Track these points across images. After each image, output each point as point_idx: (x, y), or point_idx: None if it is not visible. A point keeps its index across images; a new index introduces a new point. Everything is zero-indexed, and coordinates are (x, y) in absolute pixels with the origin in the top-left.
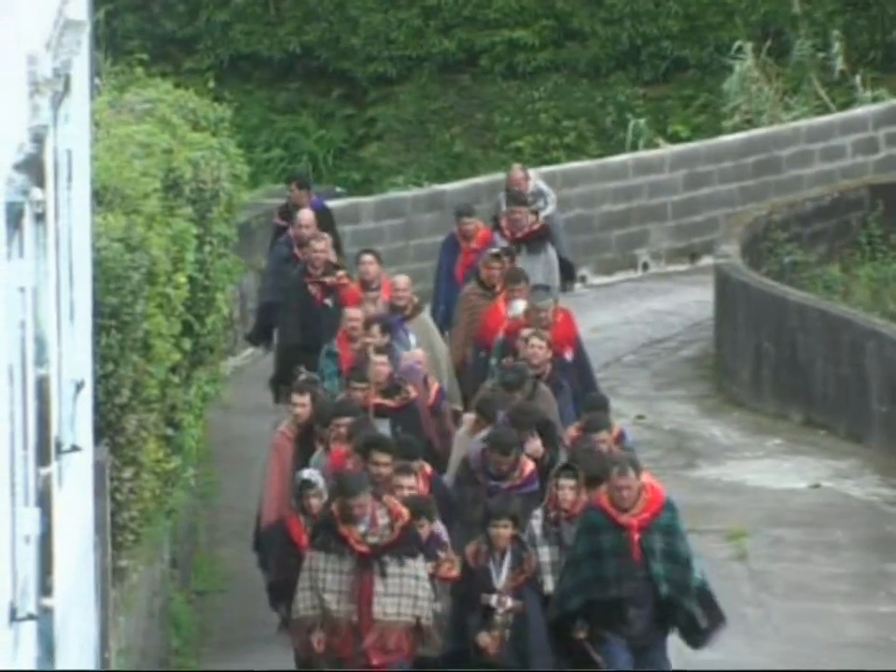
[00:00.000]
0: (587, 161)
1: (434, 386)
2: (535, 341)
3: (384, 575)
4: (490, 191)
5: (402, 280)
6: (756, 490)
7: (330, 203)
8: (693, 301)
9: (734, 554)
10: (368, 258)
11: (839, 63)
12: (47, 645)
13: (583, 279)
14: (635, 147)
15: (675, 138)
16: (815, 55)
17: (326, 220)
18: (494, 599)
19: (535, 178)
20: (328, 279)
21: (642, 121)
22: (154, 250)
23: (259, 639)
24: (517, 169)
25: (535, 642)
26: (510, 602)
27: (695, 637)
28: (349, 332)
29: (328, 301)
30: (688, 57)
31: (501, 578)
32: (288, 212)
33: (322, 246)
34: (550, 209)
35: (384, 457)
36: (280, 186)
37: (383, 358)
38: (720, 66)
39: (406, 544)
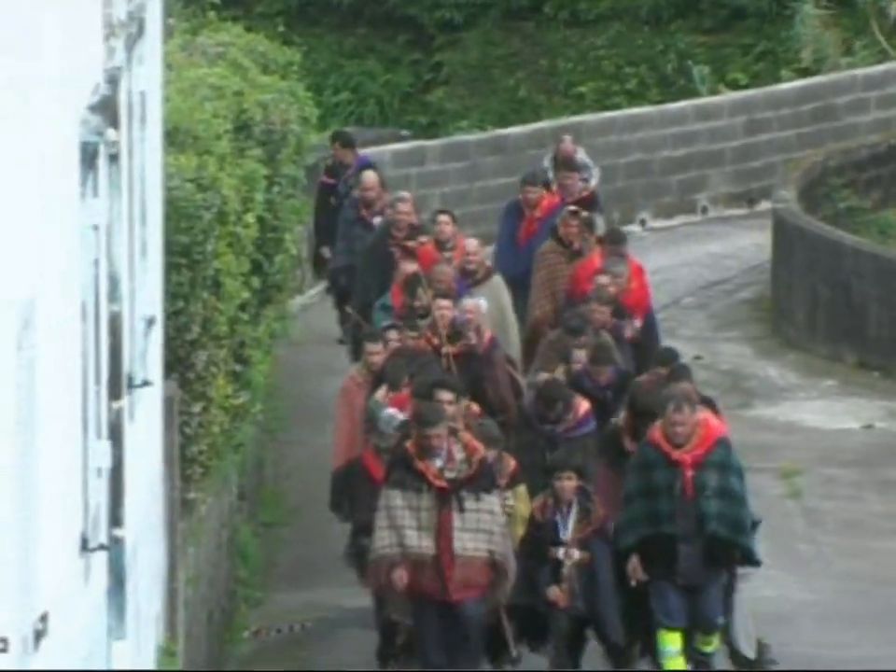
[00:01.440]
0: (648, 106)
1: (487, 334)
2: (595, 306)
3: (462, 510)
4: (553, 137)
5: (473, 243)
6: (810, 430)
7: (396, 146)
8: (750, 244)
9: (788, 492)
10: (443, 217)
11: (894, 10)
12: (117, 575)
13: (643, 222)
14: (698, 93)
15: (734, 85)
16: (875, 2)
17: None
18: (561, 552)
19: (580, 152)
20: (410, 243)
21: (706, 68)
22: (224, 190)
23: (324, 571)
24: (568, 141)
25: (602, 594)
26: (577, 554)
27: (750, 568)
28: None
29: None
30: (747, 5)
31: (568, 530)
32: (335, 171)
33: (407, 208)
34: (594, 182)
35: (447, 395)
36: (349, 128)
37: (447, 303)
38: (779, 15)
39: (482, 479)
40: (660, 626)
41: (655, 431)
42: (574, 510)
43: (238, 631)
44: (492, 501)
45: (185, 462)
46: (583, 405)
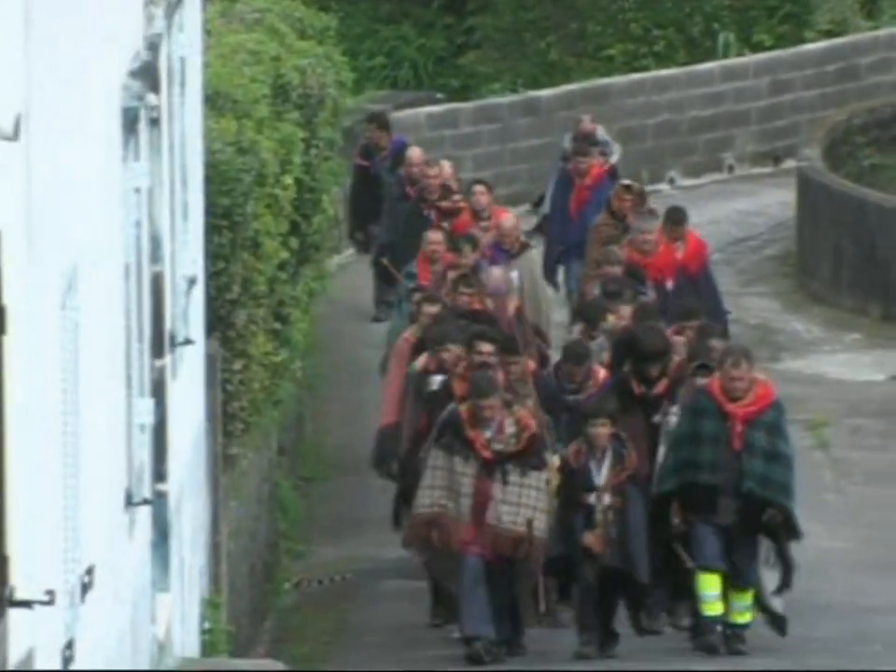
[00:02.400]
0: (675, 68)
1: (514, 301)
2: (607, 268)
3: (505, 483)
4: (583, 98)
5: (509, 222)
6: (836, 382)
7: (430, 109)
8: (776, 202)
9: (815, 443)
10: (479, 188)
11: None
12: (161, 528)
13: (672, 181)
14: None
15: (759, 47)
16: None
17: (404, 159)
18: (593, 497)
19: (600, 130)
20: (444, 203)
21: (731, 36)
22: (263, 153)
23: (364, 524)
24: (587, 121)
25: (633, 538)
26: (607, 499)
27: (792, 535)
28: (429, 254)
29: (444, 225)
30: None
31: (602, 476)
32: (369, 152)
33: (435, 172)
34: (615, 158)
35: (487, 347)
36: (384, 92)
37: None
38: None
39: (531, 455)
40: (699, 568)
41: (714, 382)
42: (608, 456)
43: (280, 583)
44: (539, 478)
45: (226, 418)
46: (601, 372)
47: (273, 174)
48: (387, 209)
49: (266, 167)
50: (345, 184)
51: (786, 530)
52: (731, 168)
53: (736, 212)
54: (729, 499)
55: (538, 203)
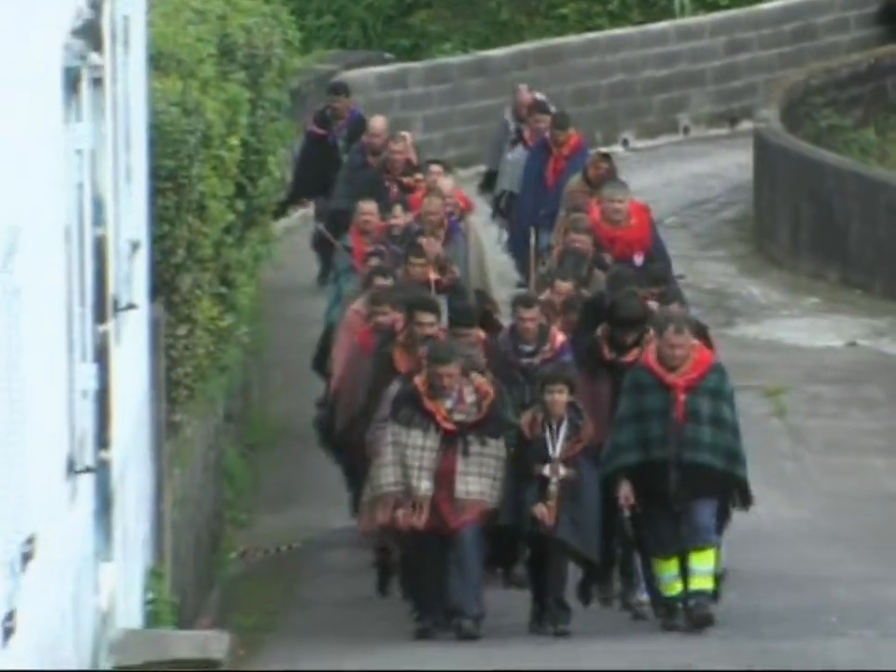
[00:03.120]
0: (630, 28)
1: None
2: (573, 235)
3: (466, 454)
4: (535, 58)
5: (446, 186)
6: (794, 348)
7: (380, 69)
8: (732, 164)
9: (772, 411)
10: (436, 168)
11: None
12: (104, 497)
13: (626, 142)
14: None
15: (715, 7)
16: None
17: (362, 129)
18: (547, 469)
19: (540, 97)
20: (406, 179)
21: None
22: (209, 114)
23: (311, 492)
24: (524, 90)
25: (587, 514)
26: (562, 471)
27: (745, 501)
28: (361, 226)
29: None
30: None
31: (557, 447)
32: (325, 119)
33: (400, 147)
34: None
35: (428, 317)
36: (332, 51)
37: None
38: None
39: (490, 423)
40: (654, 556)
41: (648, 354)
42: (564, 426)
43: (225, 553)
44: (498, 446)
45: (171, 385)
46: (559, 336)
47: (218, 135)
48: (345, 177)
49: (211, 128)
50: (292, 146)
51: (739, 497)
52: (686, 129)
53: (692, 174)
54: (680, 472)
55: (485, 185)
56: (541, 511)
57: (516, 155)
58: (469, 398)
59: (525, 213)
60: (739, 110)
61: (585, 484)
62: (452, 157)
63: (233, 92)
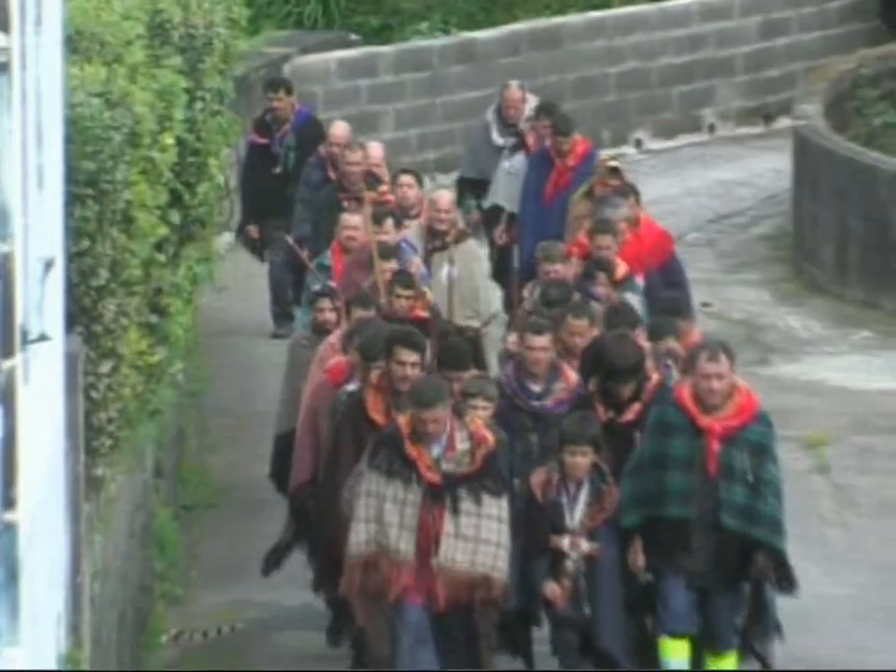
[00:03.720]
0: (644, 4)
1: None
2: (546, 266)
3: (456, 512)
4: (530, 41)
5: (445, 199)
6: (840, 391)
7: (343, 54)
8: (767, 169)
9: (814, 466)
10: (406, 178)
11: None
12: (9, 566)
13: (639, 143)
14: None
15: None
16: None
17: (315, 133)
18: (566, 542)
19: (534, 101)
20: (369, 194)
21: None
22: (138, 107)
23: (257, 562)
24: (515, 87)
25: (605, 595)
26: (585, 545)
27: (786, 584)
28: (345, 243)
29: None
30: None
31: (576, 515)
32: (267, 126)
33: (356, 158)
34: None
35: (411, 356)
36: (286, 32)
37: (391, 265)
38: None
39: (488, 477)
40: (663, 632)
41: (683, 389)
42: (585, 491)
43: (155, 635)
44: (499, 506)
45: (91, 432)
46: (571, 375)
47: (149, 132)
48: (303, 198)
49: (141, 124)
50: (238, 146)
51: (777, 578)
52: (712, 128)
53: (718, 182)
54: (704, 537)
55: (459, 197)
56: (553, 590)
57: (516, 165)
58: (462, 444)
59: (527, 236)
60: (775, 105)
61: (606, 564)
62: (430, 160)
63: (167, 81)
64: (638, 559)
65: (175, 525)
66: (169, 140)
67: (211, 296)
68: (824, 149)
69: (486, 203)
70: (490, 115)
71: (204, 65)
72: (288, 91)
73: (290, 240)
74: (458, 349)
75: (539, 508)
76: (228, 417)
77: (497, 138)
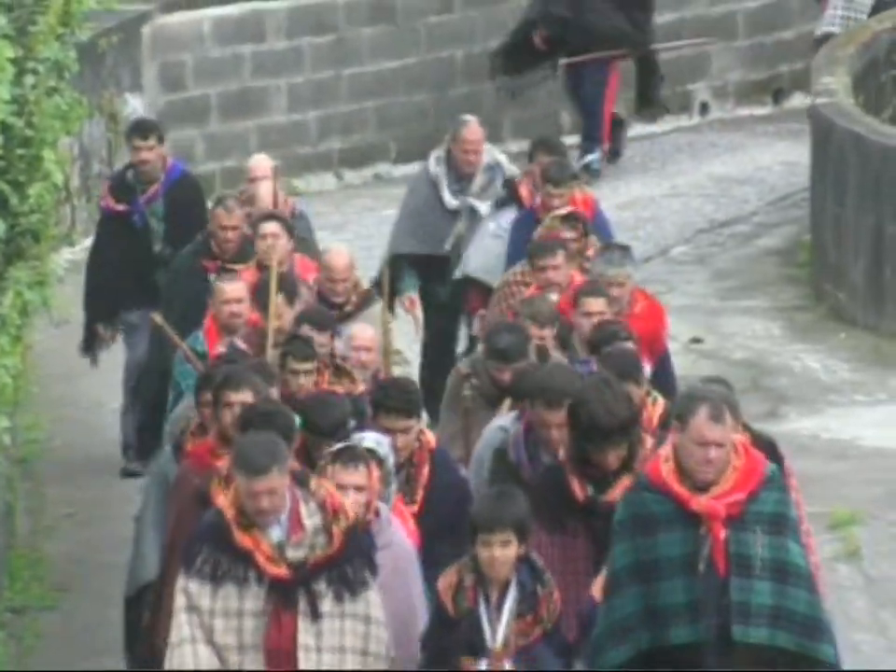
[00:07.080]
0: None
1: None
2: (533, 328)
3: (315, 616)
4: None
5: (341, 261)
6: (874, 452)
7: (220, 12)
8: (776, 162)
9: (840, 551)
10: (270, 227)
11: None
12: None
13: None
14: None
15: None
16: None
17: (189, 197)
18: (483, 664)
19: (491, 150)
20: (238, 266)
21: None
22: None
23: None
24: (474, 125)
25: None
26: (508, 668)
27: None
28: (228, 322)
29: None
30: None
31: (499, 629)
32: (127, 187)
33: (234, 222)
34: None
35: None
36: None
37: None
38: None
39: (352, 561)
40: None
41: (656, 463)
42: (511, 596)
43: None
44: (368, 599)
45: None
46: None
47: None
48: (171, 283)
49: None
50: (82, 135)
51: None
52: (704, 107)
53: (713, 178)
54: (721, 660)
55: (397, 285)
56: None
57: (505, 224)
58: (310, 520)
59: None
60: (787, 77)
61: None
62: (334, 150)
63: None
64: None
65: (0, 634)
66: None
67: (47, 331)
68: (852, 135)
69: (457, 273)
70: (435, 165)
71: (37, 28)
72: (159, 139)
73: (159, 318)
74: (405, 390)
75: (450, 623)
76: (70, 490)
77: (450, 199)
